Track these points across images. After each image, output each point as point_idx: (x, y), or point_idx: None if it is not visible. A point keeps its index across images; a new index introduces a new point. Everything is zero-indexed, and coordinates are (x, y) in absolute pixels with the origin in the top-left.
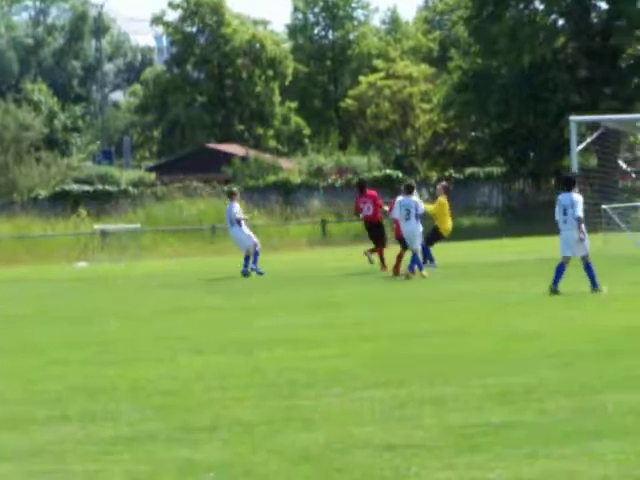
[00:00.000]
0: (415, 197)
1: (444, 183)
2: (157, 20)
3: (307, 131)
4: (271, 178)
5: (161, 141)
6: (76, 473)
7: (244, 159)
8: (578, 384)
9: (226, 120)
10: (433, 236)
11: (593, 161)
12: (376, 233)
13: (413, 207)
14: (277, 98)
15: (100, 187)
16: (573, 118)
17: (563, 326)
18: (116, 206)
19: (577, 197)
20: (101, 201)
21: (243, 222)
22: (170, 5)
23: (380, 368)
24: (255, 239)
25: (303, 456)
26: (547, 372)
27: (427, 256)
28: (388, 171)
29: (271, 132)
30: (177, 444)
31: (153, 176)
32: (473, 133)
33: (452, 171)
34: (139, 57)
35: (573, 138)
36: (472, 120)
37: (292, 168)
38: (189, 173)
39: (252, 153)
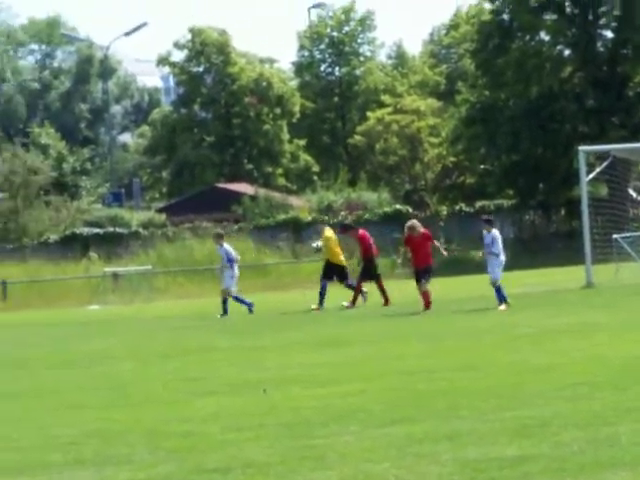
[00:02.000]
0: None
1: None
2: (163, 61)
3: (316, 168)
4: (281, 216)
5: (170, 182)
6: None
7: (254, 198)
8: (592, 415)
9: (235, 159)
10: (336, 272)
11: (603, 191)
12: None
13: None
14: (285, 136)
15: (110, 229)
16: (582, 148)
17: (575, 358)
18: (127, 248)
19: None
20: (111, 243)
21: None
22: (176, 45)
23: (394, 404)
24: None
25: None
26: (561, 404)
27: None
28: (398, 206)
29: (280, 170)
30: None
31: (163, 217)
32: (482, 166)
33: (462, 205)
34: (146, 98)
35: (582, 168)
36: (481, 153)
37: (302, 206)
38: (199, 213)
39: (261, 191)
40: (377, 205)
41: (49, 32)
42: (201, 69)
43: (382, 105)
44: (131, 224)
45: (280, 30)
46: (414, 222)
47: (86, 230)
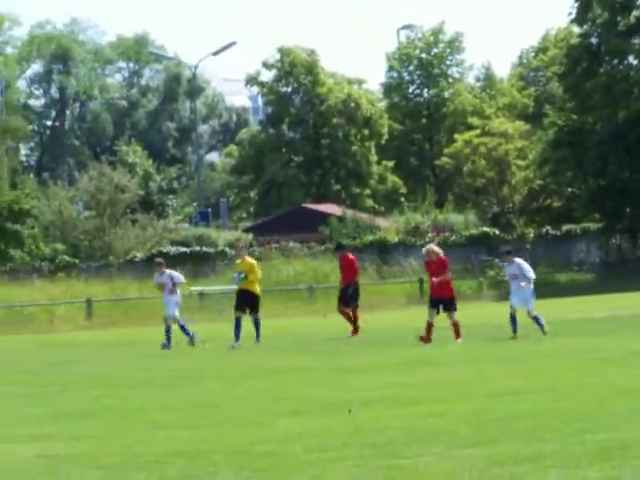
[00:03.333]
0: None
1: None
2: (252, 80)
3: (403, 189)
4: (368, 237)
5: (258, 202)
6: None
7: (341, 219)
8: None
9: (322, 180)
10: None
11: None
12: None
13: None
14: (373, 157)
15: (197, 248)
16: None
17: None
18: (213, 267)
19: None
20: (198, 262)
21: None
22: (265, 65)
23: (478, 426)
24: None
25: None
26: None
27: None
28: (485, 229)
29: (367, 191)
30: None
31: (250, 237)
32: (569, 189)
33: (549, 227)
34: (234, 118)
35: None
36: (568, 176)
37: (389, 227)
38: (286, 233)
39: (349, 212)
40: (464, 227)
41: (137, 50)
42: (289, 89)
43: (470, 127)
44: (218, 243)
45: (369, 51)
46: (430, 247)
47: (172, 249)
